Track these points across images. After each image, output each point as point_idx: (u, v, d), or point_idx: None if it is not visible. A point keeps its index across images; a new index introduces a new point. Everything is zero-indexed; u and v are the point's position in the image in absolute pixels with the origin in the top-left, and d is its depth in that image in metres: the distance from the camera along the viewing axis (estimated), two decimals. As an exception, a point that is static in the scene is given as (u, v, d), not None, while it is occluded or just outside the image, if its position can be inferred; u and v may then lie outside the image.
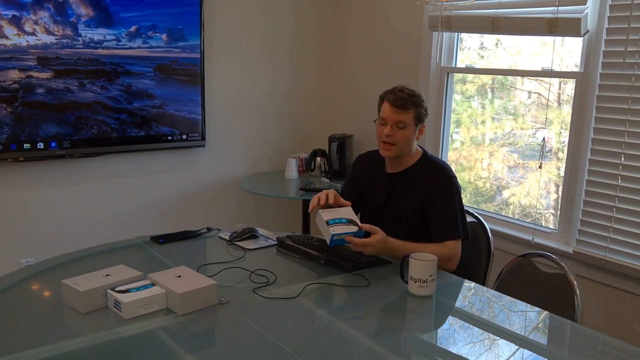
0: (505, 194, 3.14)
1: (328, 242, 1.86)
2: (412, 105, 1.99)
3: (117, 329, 1.49)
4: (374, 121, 2.07)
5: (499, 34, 2.91)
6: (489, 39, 3.13)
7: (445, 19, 2.99)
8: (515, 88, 3.06)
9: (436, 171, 2.05)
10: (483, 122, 3.22)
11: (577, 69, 2.65)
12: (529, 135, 2.97)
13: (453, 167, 3.34)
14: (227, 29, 3.50)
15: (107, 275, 1.64)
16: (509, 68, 3.07)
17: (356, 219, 1.93)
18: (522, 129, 2.95)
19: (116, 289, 1.57)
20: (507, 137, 3.11)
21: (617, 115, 2.47)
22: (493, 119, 3.18)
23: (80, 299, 1.55)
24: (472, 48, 3.27)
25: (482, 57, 3.23)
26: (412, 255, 1.71)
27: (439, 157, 3.28)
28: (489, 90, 3.21)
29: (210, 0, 3.37)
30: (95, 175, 3.23)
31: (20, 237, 3.07)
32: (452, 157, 3.39)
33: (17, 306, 1.65)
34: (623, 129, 2.45)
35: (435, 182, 2.02)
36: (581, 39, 2.56)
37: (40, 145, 2.94)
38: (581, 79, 2.60)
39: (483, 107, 3.23)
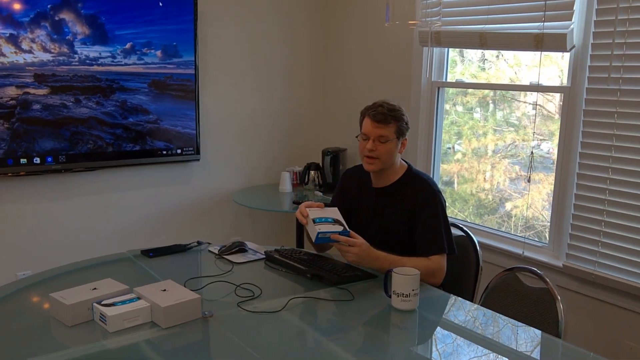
0: (508, 206, 3.13)
1: (313, 239, 1.89)
2: (392, 120, 2.02)
3: (102, 342, 1.51)
4: (357, 137, 2.11)
5: (487, 49, 2.95)
6: (490, 51, 3.15)
7: (435, 35, 3.03)
8: (516, 100, 3.06)
9: (421, 186, 2.07)
10: (485, 133, 3.23)
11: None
12: (533, 147, 2.96)
13: (455, 180, 3.37)
14: (221, 45, 3.56)
15: (94, 288, 1.67)
16: (507, 82, 3.09)
17: (342, 219, 1.96)
18: (523, 140, 2.94)
19: (102, 303, 1.60)
20: (508, 148, 3.11)
21: (603, 129, 2.49)
22: (495, 130, 3.18)
23: (66, 312, 1.57)
24: (473, 60, 3.29)
25: (484, 69, 3.25)
26: (395, 270, 1.73)
27: (431, 171, 3.33)
28: (490, 102, 3.22)
29: (204, 17, 3.43)
30: (90, 189, 3.27)
31: (17, 250, 3.10)
32: (454, 170, 3.40)
33: (7, 318, 1.68)
34: (610, 143, 2.47)
35: (420, 196, 2.05)
36: (568, 53, 2.60)
37: (37, 160, 2.99)
38: (568, 93, 2.63)
39: (486, 120, 3.24)
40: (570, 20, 2.50)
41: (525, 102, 3.00)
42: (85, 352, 1.47)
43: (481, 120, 3.26)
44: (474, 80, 3.27)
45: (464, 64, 3.30)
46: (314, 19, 3.89)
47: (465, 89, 3.27)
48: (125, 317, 1.56)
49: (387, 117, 2.02)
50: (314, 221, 1.91)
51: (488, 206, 3.23)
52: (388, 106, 2.04)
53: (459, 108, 3.31)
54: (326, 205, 2.06)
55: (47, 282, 1.94)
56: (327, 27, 3.92)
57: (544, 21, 2.57)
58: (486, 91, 3.19)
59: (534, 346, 1.63)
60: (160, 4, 3.21)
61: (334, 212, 1.98)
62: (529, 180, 2.77)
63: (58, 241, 3.20)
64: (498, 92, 3.14)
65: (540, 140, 2.86)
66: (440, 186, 3.39)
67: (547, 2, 2.55)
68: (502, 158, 3.14)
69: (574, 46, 2.54)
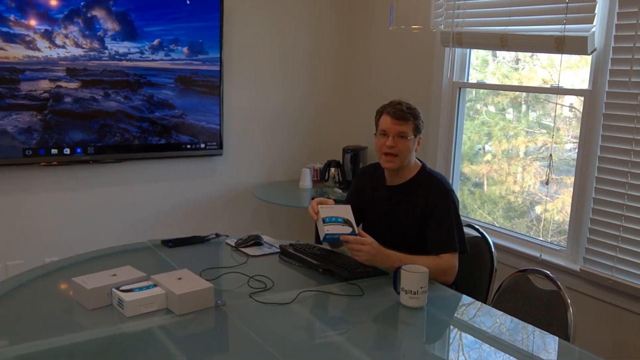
0: (538, 209, 3.07)
1: (321, 238, 1.93)
2: (411, 117, 2.06)
3: (119, 326, 1.59)
4: (374, 134, 2.14)
5: (508, 50, 2.94)
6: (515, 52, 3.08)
7: (456, 35, 3.04)
8: (549, 102, 3.02)
9: (434, 184, 2.10)
10: (516, 135, 3.18)
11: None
12: (569, 150, 2.90)
13: (484, 182, 3.35)
14: (245, 43, 3.63)
15: (114, 275, 1.75)
16: (539, 83, 3.05)
17: (352, 219, 1.97)
18: (555, 143, 2.90)
19: (120, 288, 1.67)
20: (540, 151, 3.05)
21: (623, 134, 2.47)
22: (527, 132, 3.14)
23: (87, 296, 1.66)
24: (506, 60, 3.24)
25: (517, 69, 3.22)
26: (404, 267, 1.76)
27: (451, 172, 3.34)
28: (522, 103, 3.16)
29: (229, 15, 3.50)
30: (117, 180, 3.38)
31: (45, 237, 3.23)
32: (483, 171, 3.37)
33: (33, 300, 1.78)
34: (629, 147, 2.45)
35: (433, 195, 2.07)
36: (589, 56, 2.58)
37: (67, 151, 3.11)
38: (589, 96, 2.62)
39: (518, 121, 3.19)
40: (592, 23, 2.49)
41: (558, 104, 2.94)
42: (103, 334, 1.55)
43: (513, 122, 3.21)
44: (506, 81, 3.24)
45: (496, 64, 3.26)
46: (338, 17, 3.93)
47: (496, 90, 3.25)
48: (142, 302, 1.63)
49: (406, 114, 2.06)
50: (323, 220, 1.93)
51: (518, 209, 3.17)
52: (406, 104, 2.09)
53: (491, 108, 3.27)
54: (341, 202, 2.09)
55: (72, 267, 2.03)
56: (351, 25, 3.95)
57: (565, 24, 2.56)
58: (518, 92, 3.16)
59: (546, 350, 1.63)
60: (188, 2, 3.30)
61: (346, 211, 1.98)
62: (547, 183, 2.75)
63: (84, 229, 3.32)
64: (530, 93, 3.11)
65: (575, 143, 2.81)
66: (469, 187, 3.39)
67: (568, 4, 2.54)
68: (533, 160, 3.09)
69: (595, 49, 2.52)
